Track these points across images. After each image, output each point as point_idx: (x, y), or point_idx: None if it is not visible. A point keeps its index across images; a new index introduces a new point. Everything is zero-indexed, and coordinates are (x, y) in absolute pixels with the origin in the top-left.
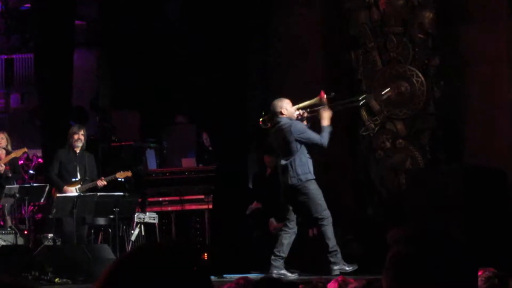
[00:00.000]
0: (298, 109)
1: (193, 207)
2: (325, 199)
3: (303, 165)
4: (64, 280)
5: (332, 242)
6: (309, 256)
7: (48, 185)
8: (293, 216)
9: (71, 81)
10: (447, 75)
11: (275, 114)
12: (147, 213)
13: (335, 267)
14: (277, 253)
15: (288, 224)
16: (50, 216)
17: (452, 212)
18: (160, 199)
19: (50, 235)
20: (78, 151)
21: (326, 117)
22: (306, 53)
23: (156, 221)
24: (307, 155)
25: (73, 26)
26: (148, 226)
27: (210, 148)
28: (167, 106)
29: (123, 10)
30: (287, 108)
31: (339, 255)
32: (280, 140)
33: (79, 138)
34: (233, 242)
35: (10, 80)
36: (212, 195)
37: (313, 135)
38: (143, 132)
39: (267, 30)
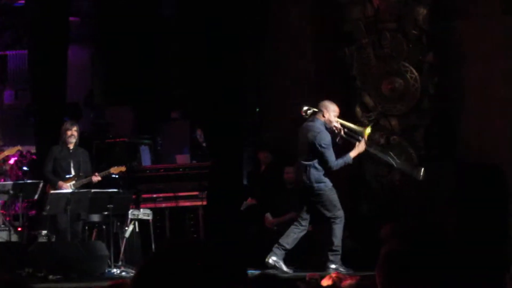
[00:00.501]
0: (339, 123)
1: (187, 203)
2: None
3: (320, 172)
4: (58, 277)
5: (337, 241)
6: (304, 253)
7: (42, 181)
8: (307, 215)
9: (65, 77)
10: (441, 71)
11: (316, 112)
12: (141, 210)
13: (332, 266)
14: (282, 243)
15: (301, 221)
16: (44, 213)
17: (446, 208)
18: (154, 195)
19: (44, 232)
20: (71, 147)
21: (359, 150)
22: (300, 49)
23: (150, 217)
24: None
25: (67, 22)
26: (142, 222)
27: (204, 145)
28: (162, 102)
29: (117, 6)
30: (330, 114)
31: (339, 257)
32: (304, 139)
33: (72, 134)
34: (228, 238)
35: (4, 77)
36: (206, 192)
37: (329, 155)
38: (137, 129)
39: (261, 27)
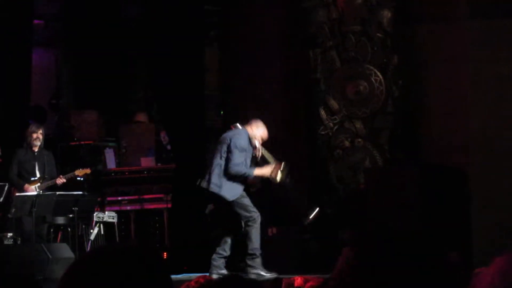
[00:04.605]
0: (261, 146)
1: (152, 206)
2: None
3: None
4: None
5: (252, 244)
6: (269, 255)
7: (7, 184)
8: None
9: (29, 80)
10: (406, 74)
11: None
12: (106, 213)
13: (253, 271)
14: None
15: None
16: (9, 216)
17: (410, 211)
18: (119, 198)
19: (10, 234)
20: (36, 150)
21: (263, 173)
22: (265, 52)
23: (115, 220)
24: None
25: (31, 25)
26: (107, 225)
27: (168, 147)
28: (126, 105)
29: (82, 8)
30: (258, 129)
31: (258, 260)
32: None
33: (38, 137)
34: (192, 241)
35: None
36: (171, 194)
37: (237, 158)
38: (102, 131)
39: (226, 29)
